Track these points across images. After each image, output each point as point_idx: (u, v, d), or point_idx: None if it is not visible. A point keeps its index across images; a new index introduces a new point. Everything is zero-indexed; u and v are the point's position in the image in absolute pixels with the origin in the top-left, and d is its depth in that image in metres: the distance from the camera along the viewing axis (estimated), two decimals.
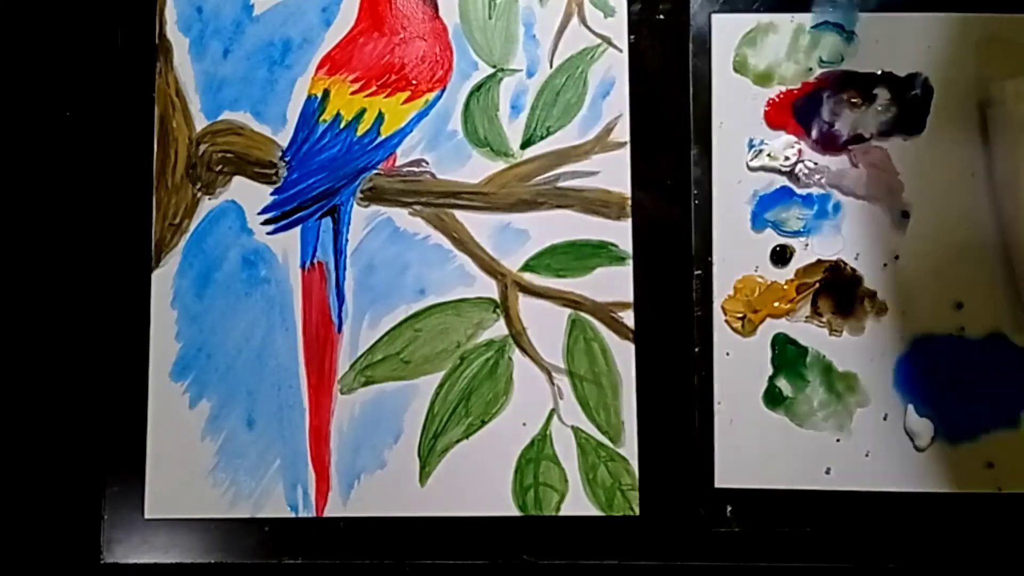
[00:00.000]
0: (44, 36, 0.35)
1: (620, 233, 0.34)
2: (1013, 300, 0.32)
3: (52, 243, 0.35)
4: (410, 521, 0.33)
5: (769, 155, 0.34)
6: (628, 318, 0.34)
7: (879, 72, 0.34)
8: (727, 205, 0.34)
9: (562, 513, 0.33)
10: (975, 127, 0.33)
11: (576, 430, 0.34)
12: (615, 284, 0.34)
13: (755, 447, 0.33)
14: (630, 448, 0.33)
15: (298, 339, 0.34)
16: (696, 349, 0.33)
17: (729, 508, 0.33)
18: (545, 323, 0.34)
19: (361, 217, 0.34)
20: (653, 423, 0.33)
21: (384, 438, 0.34)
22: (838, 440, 0.33)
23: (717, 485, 0.33)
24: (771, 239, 0.34)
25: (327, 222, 0.34)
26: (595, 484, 0.33)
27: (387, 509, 0.33)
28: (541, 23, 0.35)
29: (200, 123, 0.35)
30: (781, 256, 0.34)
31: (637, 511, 0.33)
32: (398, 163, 0.35)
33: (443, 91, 0.35)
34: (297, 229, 0.34)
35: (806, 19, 0.34)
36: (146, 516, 0.34)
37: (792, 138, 0.34)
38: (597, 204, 0.34)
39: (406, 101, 0.35)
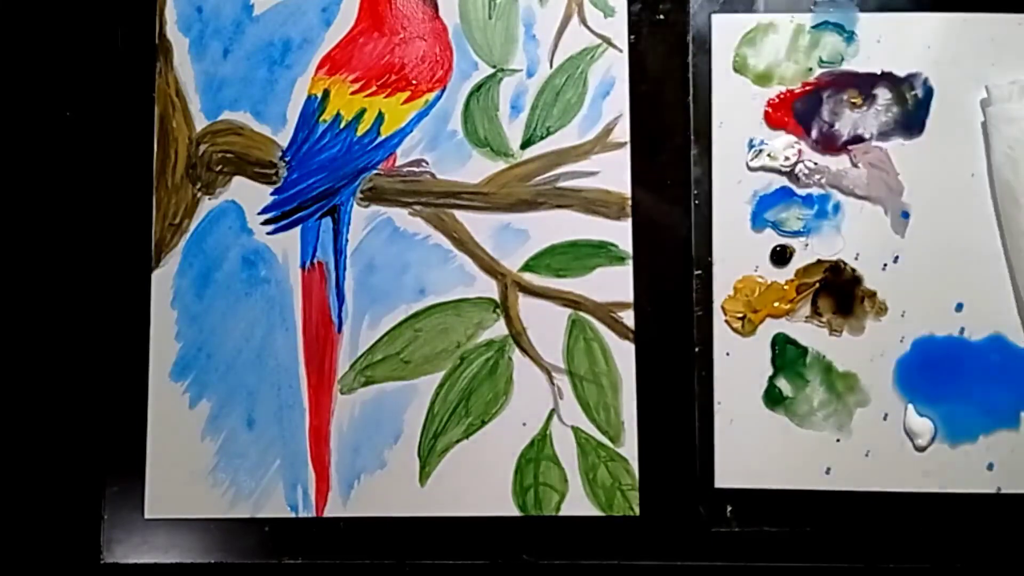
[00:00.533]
0: (44, 36, 0.35)
1: (620, 233, 0.34)
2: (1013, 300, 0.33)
3: (52, 243, 0.35)
4: (410, 521, 0.33)
5: (769, 155, 0.34)
6: (628, 318, 0.34)
7: (879, 72, 0.34)
8: (727, 205, 0.34)
9: (562, 513, 0.33)
10: (975, 127, 0.33)
11: (576, 430, 0.34)
12: (615, 284, 0.34)
13: (755, 447, 0.33)
14: (630, 448, 0.33)
15: (298, 339, 0.34)
16: (696, 349, 0.33)
17: (729, 508, 0.33)
18: (545, 323, 0.34)
19: (361, 217, 0.34)
20: (653, 423, 0.33)
21: (384, 438, 0.34)
22: (838, 440, 0.33)
23: (717, 485, 0.33)
24: (771, 239, 0.34)
25: (327, 222, 0.35)
26: (595, 484, 0.33)
27: (387, 509, 0.33)
28: (541, 23, 0.35)
29: (200, 123, 0.35)
30: (781, 256, 0.34)
31: (637, 511, 0.33)
32: (398, 163, 0.35)
33: (443, 91, 0.35)
34: (297, 229, 0.34)
35: (806, 19, 0.34)
36: (146, 516, 0.34)
37: (792, 138, 0.34)
38: (597, 204, 0.34)
39: (406, 101, 0.35)
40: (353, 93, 0.35)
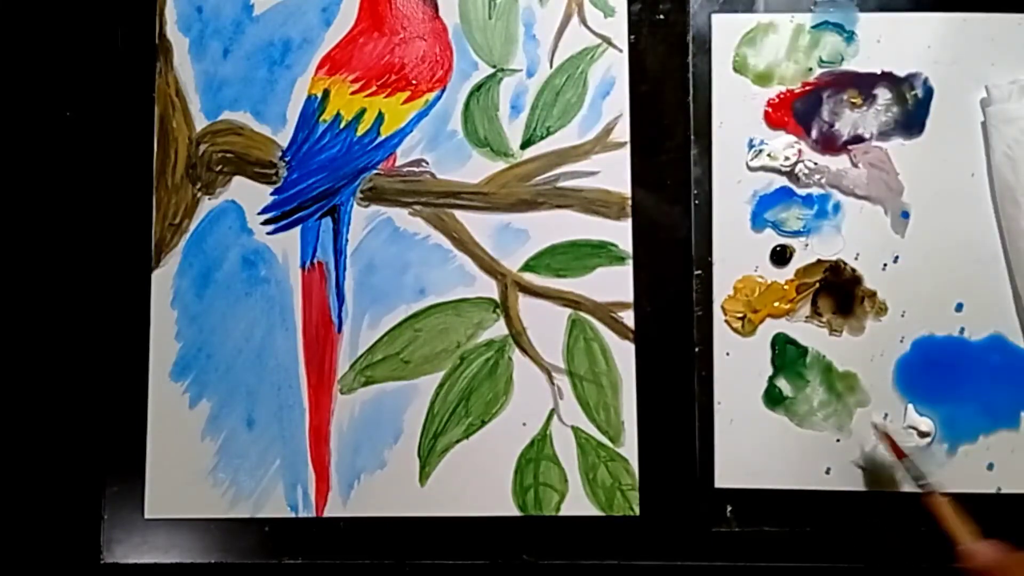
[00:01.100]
0: (44, 36, 0.35)
1: (620, 233, 0.34)
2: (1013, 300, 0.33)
3: (52, 243, 0.35)
4: (410, 521, 0.33)
5: (769, 155, 0.34)
6: (628, 318, 0.34)
7: (879, 72, 0.34)
8: (727, 205, 0.34)
9: (562, 513, 0.33)
10: (975, 127, 0.34)
11: (576, 430, 0.34)
12: (615, 284, 0.34)
13: (755, 447, 0.33)
14: (630, 448, 0.33)
15: (298, 339, 0.34)
16: (696, 349, 0.33)
17: (729, 508, 0.33)
18: (545, 323, 0.34)
19: (361, 217, 0.35)
20: (653, 423, 0.33)
21: (384, 438, 0.34)
22: (838, 440, 0.33)
23: (717, 485, 0.33)
24: (771, 239, 0.34)
25: (327, 222, 0.35)
26: (595, 484, 0.33)
27: (387, 509, 0.33)
28: (541, 23, 0.35)
29: (200, 123, 0.35)
30: (781, 256, 0.34)
31: (637, 511, 0.33)
32: (398, 163, 0.35)
33: (443, 91, 0.35)
34: (297, 229, 0.35)
35: (806, 19, 0.34)
36: (146, 516, 0.34)
37: (792, 138, 0.34)
38: (597, 204, 0.34)
39: (406, 101, 0.35)
40: (353, 93, 0.35)
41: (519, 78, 0.35)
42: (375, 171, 0.35)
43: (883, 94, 0.34)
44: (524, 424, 0.34)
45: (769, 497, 0.33)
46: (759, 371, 0.33)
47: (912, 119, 0.34)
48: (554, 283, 0.34)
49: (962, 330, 0.33)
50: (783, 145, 0.34)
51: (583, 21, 0.35)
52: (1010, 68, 0.33)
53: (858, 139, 0.34)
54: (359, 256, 0.34)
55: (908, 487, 0.32)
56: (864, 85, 0.34)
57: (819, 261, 0.34)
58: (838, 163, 0.34)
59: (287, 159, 0.35)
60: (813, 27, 0.34)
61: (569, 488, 0.33)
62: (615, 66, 0.34)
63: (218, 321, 0.34)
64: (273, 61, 0.35)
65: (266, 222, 0.34)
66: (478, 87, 0.35)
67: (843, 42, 0.34)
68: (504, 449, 0.33)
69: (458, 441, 0.34)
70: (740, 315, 0.34)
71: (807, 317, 0.33)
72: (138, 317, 0.34)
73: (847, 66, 0.34)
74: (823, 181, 0.34)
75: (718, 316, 0.34)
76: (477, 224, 0.34)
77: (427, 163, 0.35)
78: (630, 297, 0.34)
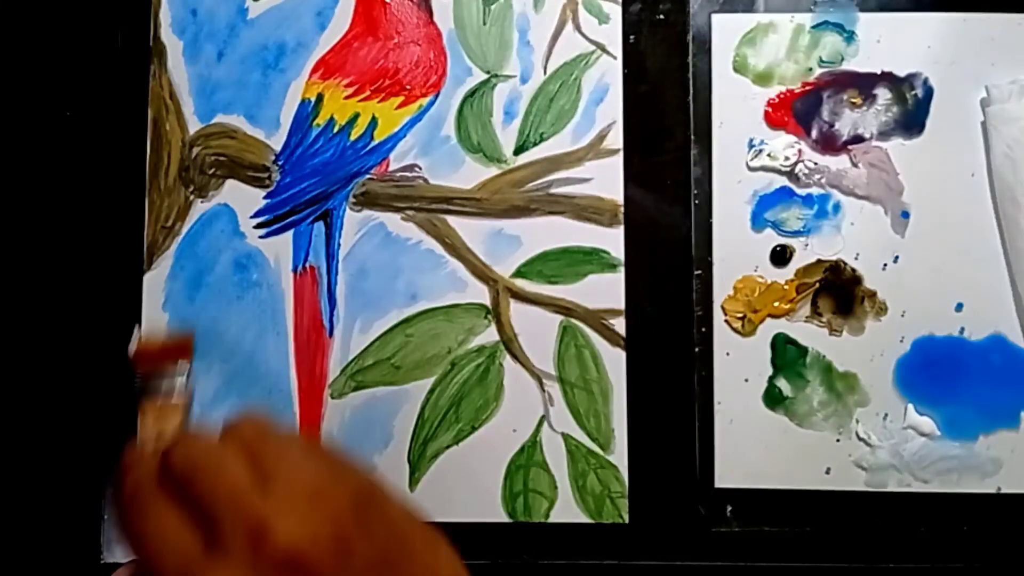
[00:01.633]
0: (42, 38, 0.43)
1: (612, 240, 0.41)
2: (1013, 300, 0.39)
3: (43, 245, 0.42)
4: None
5: (769, 155, 0.42)
6: (619, 325, 0.40)
7: (879, 72, 0.41)
8: (727, 205, 0.41)
9: (551, 520, 0.40)
10: (975, 127, 0.40)
11: (566, 437, 0.40)
12: (606, 291, 0.40)
13: (755, 447, 0.39)
14: (620, 456, 0.40)
15: (289, 343, 0.41)
16: (696, 349, 0.40)
17: (729, 508, 0.39)
18: (536, 329, 0.40)
19: (353, 222, 0.42)
20: (643, 431, 0.39)
21: (374, 443, 0.40)
22: (838, 440, 0.40)
23: (717, 485, 0.39)
24: (771, 239, 0.41)
25: (319, 226, 0.42)
26: (584, 491, 0.40)
27: None
28: (535, 29, 0.42)
29: (193, 126, 0.42)
30: (781, 256, 0.41)
31: (626, 519, 0.39)
32: (391, 168, 0.42)
33: (437, 96, 0.42)
34: (289, 233, 0.42)
35: (806, 19, 0.41)
36: None
37: (792, 138, 0.41)
38: (589, 211, 0.41)
39: (400, 106, 0.42)
40: (347, 97, 0.42)
41: (513, 84, 0.42)
42: (368, 176, 0.42)
43: (883, 94, 0.41)
44: (514, 430, 0.40)
45: (769, 497, 0.39)
46: (759, 371, 0.40)
47: (912, 119, 0.41)
48: (546, 290, 0.41)
49: (962, 330, 0.39)
50: (783, 145, 0.42)
51: (577, 28, 0.42)
52: (1010, 68, 0.40)
53: (858, 139, 0.41)
54: (351, 261, 0.42)
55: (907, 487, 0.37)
56: (864, 85, 0.41)
57: (819, 261, 0.40)
58: (838, 163, 0.41)
59: (280, 163, 0.42)
60: (813, 27, 0.41)
61: (559, 495, 0.40)
62: (609, 73, 0.42)
63: (209, 325, 0.41)
64: (267, 65, 0.42)
65: (258, 226, 0.42)
66: (472, 93, 0.42)
67: (843, 42, 0.41)
68: (494, 455, 0.40)
69: (448, 447, 0.40)
70: (740, 315, 0.40)
71: (807, 317, 0.40)
72: (129, 319, 0.41)
73: (847, 66, 0.41)
74: (823, 181, 0.42)
75: (718, 316, 0.40)
76: (469, 230, 0.41)
77: (420, 168, 0.42)
78: (622, 304, 0.40)
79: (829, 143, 0.42)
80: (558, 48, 0.42)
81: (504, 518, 0.40)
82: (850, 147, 0.42)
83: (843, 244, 0.41)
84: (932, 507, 0.39)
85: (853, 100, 0.42)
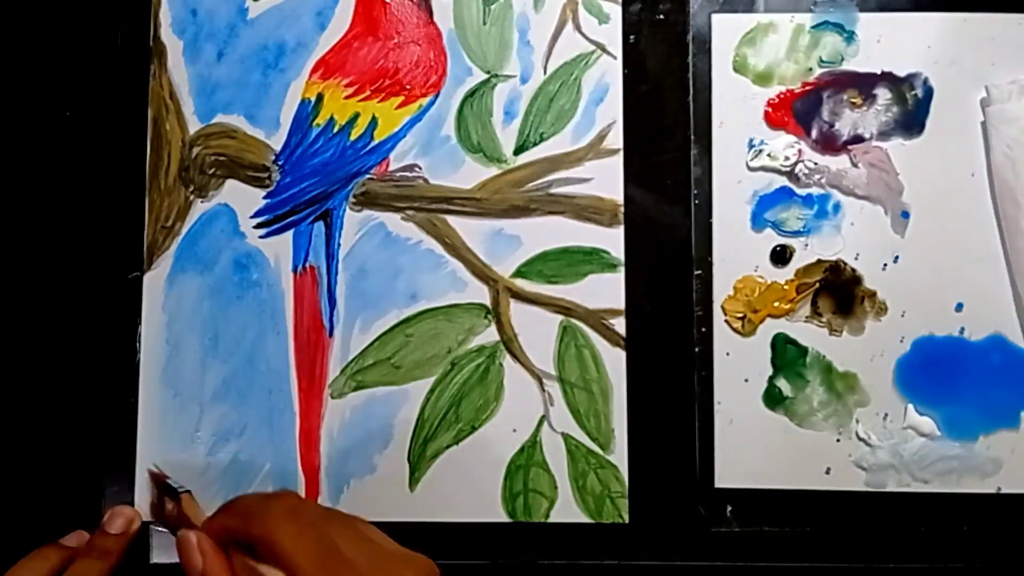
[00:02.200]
0: (42, 38, 0.43)
1: (612, 240, 0.41)
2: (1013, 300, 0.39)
3: (43, 245, 0.42)
4: (399, 526, 0.40)
5: (769, 155, 0.42)
6: (619, 325, 0.41)
7: (879, 72, 0.41)
8: (727, 205, 0.41)
9: (551, 520, 0.40)
10: (975, 127, 0.41)
11: (566, 437, 0.40)
12: (606, 291, 0.41)
13: (755, 447, 0.40)
14: (620, 455, 0.40)
15: (289, 343, 0.41)
16: (696, 349, 0.40)
17: (729, 508, 0.39)
18: (536, 329, 0.41)
19: (353, 222, 0.42)
20: (643, 431, 0.40)
21: (374, 443, 0.41)
22: (838, 440, 0.40)
23: (717, 485, 0.39)
24: (771, 239, 0.41)
25: (319, 226, 0.42)
26: (584, 491, 0.40)
27: (377, 514, 0.38)
28: (535, 29, 0.42)
29: (193, 126, 0.42)
30: (781, 256, 0.41)
31: (626, 519, 0.40)
32: (391, 168, 0.42)
33: (437, 96, 0.42)
34: (289, 233, 0.42)
35: (806, 19, 0.42)
36: (144, 518, 0.40)
37: (792, 138, 0.41)
38: (589, 211, 0.41)
39: (400, 106, 0.42)
40: (347, 97, 0.42)
41: (513, 84, 0.42)
42: (368, 176, 0.42)
43: (883, 94, 0.41)
44: (514, 430, 0.40)
45: (769, 497, 0.39)
46: (759, 371, 0.40)
47: (912, 119, 0.41)
48: (546, 289, 0.41)
49: (962, 330, 0.40)
50: (783, 145, 0.42)
51: (577, 28, 0.42)
52: (1010, 68, 0.40)
53: (858, 139, 0.41)
54: (351, 261, 0.42)
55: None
56: (864, 85, 0.41)
57: (819, 261, 0.41)
58: (838, 163, 0.41)
59: (280, 163, 0.42)
60: (813, 27, 0.42)
61: (559, 495, 0.40)
62: (609, 73, 0.42)
63: (209, 324, 0.41)
64: (267, 65, 0.42)
65: (258, 225, 0.42)
66: (472, 93, 0.42)
67: (843, 42, 0.42)
68: (494, 455, 0.40)
69: (448, 447, 0.40)
70: (740, 315, 0.40)
71: (807, 317, 0.40)
72: (129, 319, 0.41)
73: (847, 66, 0.41)
74: (823, 181, 0.42)
75: (718, 316, 0.40)
76: (469, 230, 0.41)
77: (420, 168, 0.42)
78: (622, 304, 0.41)
79: (829, 143, 0.42)
80: (558, 48, 0.43)
81: (504, 518, 0.40)
82: (850, 147, 0.42)
83: (843, 244, 0.41)
84: (932, 507, 0.39)
85: (853, 100, 0.42)
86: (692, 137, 0.42)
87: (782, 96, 0.42)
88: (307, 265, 0.42)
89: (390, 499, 0.41)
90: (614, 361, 0.41)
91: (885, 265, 0.41)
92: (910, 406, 0.40)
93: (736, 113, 0.42)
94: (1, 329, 0.42)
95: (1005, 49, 0.41)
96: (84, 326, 0.42)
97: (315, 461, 0.41)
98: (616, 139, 0.42)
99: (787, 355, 0.40)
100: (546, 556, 0.40)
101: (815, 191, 0.42)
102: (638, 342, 0.41)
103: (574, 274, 0.41)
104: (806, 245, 0.41)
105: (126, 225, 0.42)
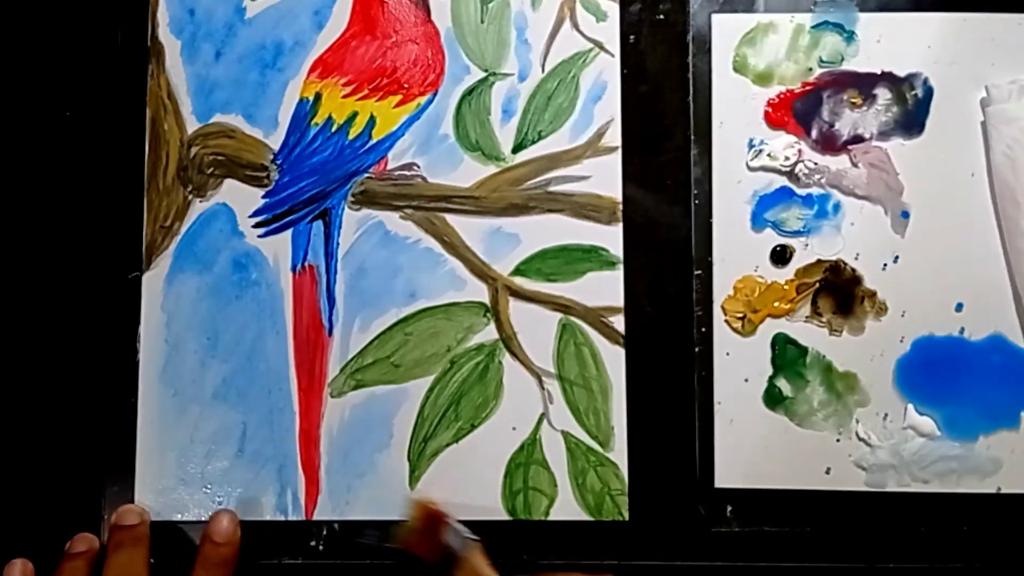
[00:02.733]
0: (42, 38, 0.43)
1: (611, 237, 0.41)
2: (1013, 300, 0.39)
3: (42, 245, 0.42)
4: (399, 525, 0.40)
5: (769, 155, 0.42)
6: (618, 323, 0.41)
7: (879, 72, 0.41)
8: (727, 205, 0.41)
9: (551, 518, 0.40)
10: (975, 127, 0.41)
11: (566, 435, 0.40)
12: (605, 288, 0.41)
13: (755, 447, 0.40)
14: (620, 453, 0.40)
15: (288, 342, 0.41)
16: (696, 349, 0.40)
17: (729, 508, 0.40)
18: (535, 327, 0.41)
19: (352, 221, 0.42)
20: (643, 428, 0.40)
21: (374, 442, 0.41)
22: (838, 440, 0.40)
23: (717, 485, 0.40)
24: (771, 239, 0.41)
25: (318, 225, 0.42)
26: (584, 489, 0.40)
27: (377, 513, 0.40)
28: (533, 27, 0.42)
29: (192, 126, 0.42)
30: (781, 256, 0.41)
31: (626, 516, 0.40)
32: (389, 167, 0.42)
33: (435, 95, 0.42)
34: (288, 232, 0.42)
35: (806, 19, 0.42)
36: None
37: (792, 138, 0.41)
38: (588, 208, 0.41)
39: (398, 105, 0.42)
40: (345, 96, 0.42)
41: (511, 82, 0.42)
42: (366, 175, 0.42)
43: (883, 94, 0.41)
44: (514, 428, 0.40)
45: (769, 497, 0.39)
46: (759, 371, 0.40)
47: (912, 119, 0.41)
48: (545, 287, 0.41)
49: (962, 330, 0.40)
50: (783, 145, 0.42)
51: (575, 26, 0.42)
52: (1010, 68, 0.40)
53: (858, 139, 0.41)
54: (350, 260, 0.42)
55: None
56: (864, 85, 0.41)
57: (819, 261, 0.41)
58: (838, 163, 0.41)
59: (279, 162, 0.42)
60: (813, 27, 0.42)
61: (558, 493, 0.40)
62: (607, 71, 0.42)
63: (208, 324, 0.42)
64: (265, 64, 0.43)
65: (257, 225, 0.42)
66: (470, 91, 0.42)
67: (843, 42, 0.42)
68: (494, 453, 0.40)
69: (448, 445, 0.41)
70: (740, 315, 0.41)
71: (807, 317, 0.40)
72: (128, 319, 0.42)
73: (847, 66, 0.41)
74: (823, 181, 0.42)
75: (718, 316, 0.41)
76: (468, 228, 0.42)
77: (418, 167, 0.42)
78: (620, 302, 0.41)
79: (829, 143, 0.42)
80: (556, 46, 0.43)
81: (504, 516, 0.41)
82: (850, 147, 0.42)
83: (843, 244, 0.41)
84: (932, 507, 0.40)
85: (853, 100, 0.42)
86: (692, 137, 0.42)
87: (782, 96, 0.42)
88: (306, 264, 0.42)
89: (390, 497, 0.41)
90: (613, 359, 0.41)
91: (885, 265, 0.41)
92: (910, 406, 0.40)
93: (736, 113, 0.42)
94: (1, 329, 0.42)
95: (1005, 49, 0.41)
96: (83, 326, 0.42)
97: (315, 460, 0.41)
98: (614, 137, 0.42)
99: (787, 355, 0.41)
100: (546, 554, 0.40)
101: (815, 191, 0.42)
102: (637, 339, 0.41)
103: (573, 272, 0.42)
104: (806, 245, 0.42)
105: (125, 225, 0.43)
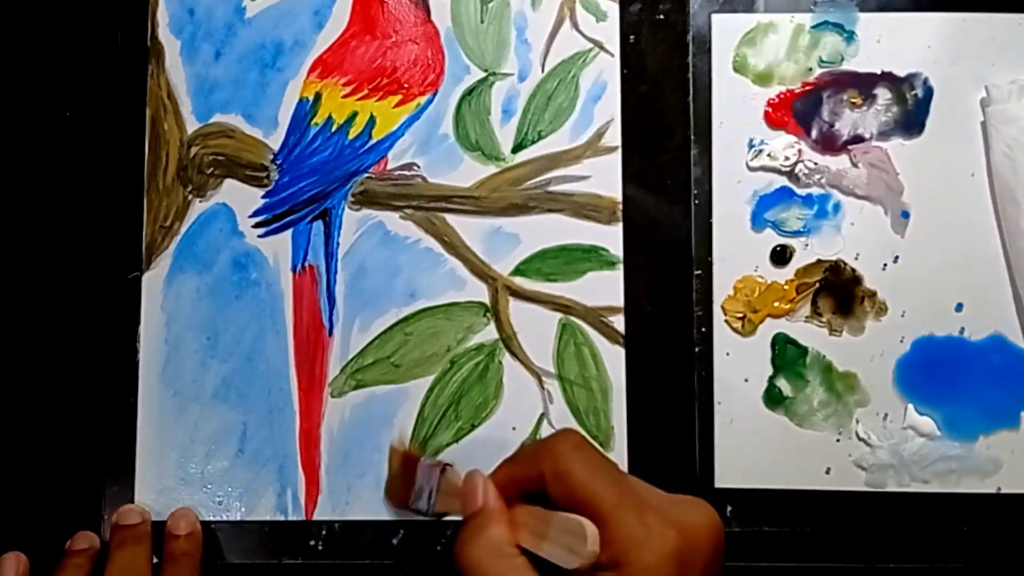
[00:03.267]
0: (42, 38, 0.43)
1: (611, 237, 0.41)
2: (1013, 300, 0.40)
3: (42, 245, 0.42)
4: (399, 525, 0.40)
5: (769, 155, 0.43)
6: (618, 322, 0.41)
7: (879, 72, 0.42)
8: (727, 205, 0.41)
9: None
10: (975, 127, 0.41)
11: None
12: (605, 288, 0.41)
13: (755, 447, 0.40)
14: (620, 453, 0.40)
15: (288, 342, 0.41)
16: (696, 349, 0.41)
17: (729, 508, 0.40)
18: (535, 327, 0.41)
19: (352, 221, 0.42)
20: (643, 428, 0.40)
21: (374, 442, 0.41)
22: (838, 440, 0.40)
23: (717, 485, 0.40)
24: (771, 239, 0.41)
25: (318, 225, 0.42)
26: None
27: (377, 513, 0.40)
28: (533, 27, 0.42)
29: (191, 126, 0.42)
30: (781, 256, 0.41)
31: None
32: (389, 167, 0.42)
33: (435, 95, 0.42)
34: (288, 232, 0.42)
35: (806, 19, 0.42)
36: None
37: (792, 138, 0.42)
38: (588, 208, 0.42)
39: (398, 104, 0.43)
40: (345, 96, 0.42)
41: (511, 82, 0.42)
42: (366, 175, 0.42)
43: (883, 94, 0.42)
44: (514, 429, 0.41)
45: (769, 497, 0.39)
46: (759, 371, 0.40)
47: (912, 119, 0.41)
48: (545, 287, 0.41)
49: (962, 330, 0.40)
50: (783, 145, 0.42)
51: (575, 26, 0.42)
52: (1010, 68, 0.41)
53: (858, 139, 0.41)
54: (350, 260, 0.42)
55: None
56: (864, 85, 0.41)
57: (819, 261, 0.41)
58: (838, 163, 0.41)
59: (278, 162, 0.42)
60: (813, 27, 0.42)
61: None
62: (607, 71, 0.42)
63: (208, 324, 0.42)
64: (265, 64, 0.43)
65: (257, 225, 0.42)
66: (470, 91, 0.42)
67: (843, 42, 0.42)
68: (493, 453, 0.39)
69: (448, 445, 0.41)
70: (740, 315, 0.41)
71: (807, 317, 0.41)
72: (129, 319, 0.42)
73: (847, 66, 0.42)
74: (823, 181, 0.42)
75: (718, 316, 0.41)
76: (468, 228, 0.42)
77: (418, 167, 0.42)
78: (620, 301, 0.41)
79: (829, 143, 0.42)
80: (556, 46, 0.43)
81: None
82: (850, 147, 0.42)
83: (843, 244, 0.42)
84: (932, 507, 0.40)
85: (853, 100, 0.42)
86: (692, 137, 0.42)
87: (782, 96, 0.42)
88: (306, 264, 0.43)
89: None
90: (613, 358, 0.41)
91: (885, 265, 0.41)
92: (910, 406, 0.40)
93: (736, 113, 0.42)
94: (1, 330, 0.43)
95: (1005, 49, 0.42)
96: (83, 326, 0.42)
97: (315, 460, 0.41)
98: (614, 137, 0.42)
99: (787, 355, 0.41)
100: None
101: (815, 191, 0.42)
102: (637, 339, 0.41)
103: (573, 272, 0.42)
104: (806, 245, 0.42)
105: (125, 225, 0.43)
